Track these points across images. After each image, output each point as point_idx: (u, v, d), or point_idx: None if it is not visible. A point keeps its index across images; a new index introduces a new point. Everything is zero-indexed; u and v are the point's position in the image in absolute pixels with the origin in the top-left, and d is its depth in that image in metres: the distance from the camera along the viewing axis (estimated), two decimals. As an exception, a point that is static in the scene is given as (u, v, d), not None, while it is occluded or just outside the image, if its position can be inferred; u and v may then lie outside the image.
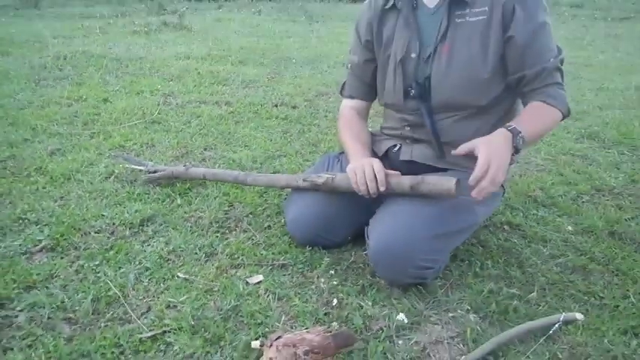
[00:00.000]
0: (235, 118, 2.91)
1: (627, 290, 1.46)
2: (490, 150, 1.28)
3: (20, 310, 1.35)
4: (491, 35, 1.44)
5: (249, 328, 1.30)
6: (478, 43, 1.45)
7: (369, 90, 1.74)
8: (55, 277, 1.50)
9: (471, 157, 1.49)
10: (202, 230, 1.75)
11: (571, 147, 2.53)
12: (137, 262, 1.57)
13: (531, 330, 1.29)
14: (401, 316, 1.34)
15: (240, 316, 1.36)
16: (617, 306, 1.40)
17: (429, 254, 1.40)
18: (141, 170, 2.11)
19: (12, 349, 1.22)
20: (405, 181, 1.43)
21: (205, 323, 1.31)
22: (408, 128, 1.61)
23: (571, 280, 1.51)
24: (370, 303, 1.40)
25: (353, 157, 1.54)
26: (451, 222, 1.44)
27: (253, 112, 3.02)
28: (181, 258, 1.60)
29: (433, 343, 1.27)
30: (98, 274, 1.52)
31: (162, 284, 1.48)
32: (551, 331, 1.28)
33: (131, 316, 1.35)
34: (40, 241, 1.66)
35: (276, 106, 3.17)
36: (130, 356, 1.21)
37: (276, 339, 1.14)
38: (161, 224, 1.79)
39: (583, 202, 1.99)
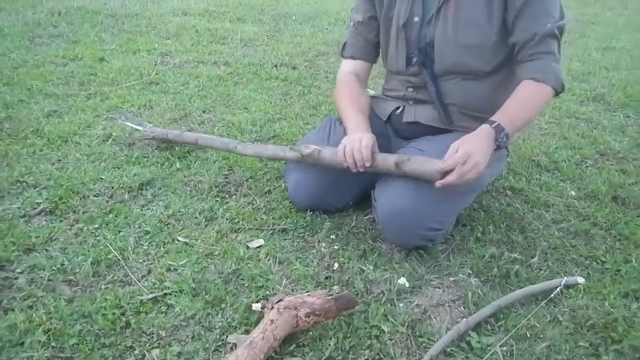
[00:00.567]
0: (234, 79, 2.85)
1: (629, 255, 1.46)
2: (469, 149, 1.28)
3: (20, 272, 1.34)
4: None
5: (250, 291, 1.30)
6: (484, 3, 1.40)
7: (372, 50, 1.67)
8: (55, 240, 1.49)
9: (477, 119, 1.46)
10: (202, 194, 1.73)
11: (576, 110, 2.48)
12: (137, 226, 1.56)
13: (532, 293, 1.29)
14: (402, 280, 1.34)
15: (241, 279, 1.35)
16: (619, 270, 1.40)
17: (437, 216, 1.39)
18: (139, 131, 2.08)
19: (13, 309, 1.22)
20: (391, 159, 1.39)
21: (206, 286, 1.31)
22: (411, 89, 1.58)
23: (573, 245, 1.51)
24: (371, 267, 1.40)
25: (350, 130, 1.50)
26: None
27: (252, 72, 2.96)
28: (181, 222, 1.59)
29: (434, 306, 1.28)
30: (98, 238, 1.51)
31: (162, 248, 1.48)
32: (552, 295, 1.28)
33: (131, 278, 1.35)
34: (38, 204, 1.64)
35: (276, 66, 3.10)
36: (130, 317, 1.21)
37: (278, 302, 1.14)
38: (160, 188, 1.77)
39: (587, 166, 1.97)
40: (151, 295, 1.28)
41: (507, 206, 1.70)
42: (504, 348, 1.14)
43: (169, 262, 1.41)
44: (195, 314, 1.23)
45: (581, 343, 1.16)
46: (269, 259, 1.43)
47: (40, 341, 1.13)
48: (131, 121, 2.12)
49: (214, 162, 1.93)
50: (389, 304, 1.27)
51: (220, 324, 1.20)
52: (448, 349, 1.14)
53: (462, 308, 1.27)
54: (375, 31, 1.63)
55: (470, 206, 1.65)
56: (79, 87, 2.59)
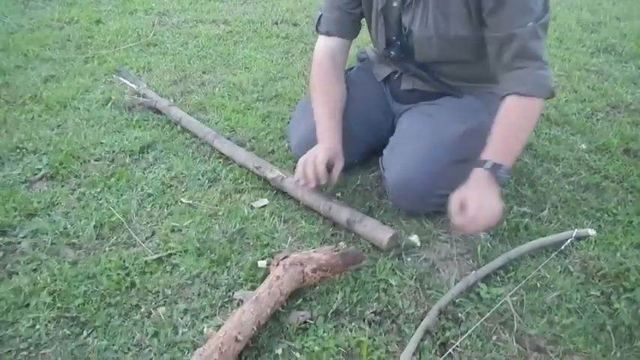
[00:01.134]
0: (234, 38, 2.77)
1: (642, 206, 1.43)
2: (479, 203, 1.14)
3: (23, 237, 1.33)
4: None
5: (256, 250, 1.29)
6: None
7: (350, 25, 1.49)
8: (57, 204, 1.48)
9: (477, 85, 1.41)
10: (204, 156, 1.71)
11: (586, 61, 2.40)
12: (139, 189, 1.54)
13: (543, 246, 1.27)
14: (414, 237, 1.32)
15: (246, 238, 1.34)
16: (631, 221, 1.37)
17: (449, 182, 1.33)
18: (136, 94, 2.04)
19: (17, 273, 1.21)
20: (343, 215, 1.33)
21: (211, 245, 1.30)
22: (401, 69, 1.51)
23: (584, 198, 1.48)
24: (378, 224, 1.38)
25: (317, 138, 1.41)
26: (469, 147, 1.37)
27: (252, 30, 2.87)
28: (184, 184, 1.57)
29: (442, 260, 1.26)
30: (100, 201, 1.49)
31: (165, 210, 1.46)
32: (563, 247, 1.26)
33: (135, 240, 1.33)
34: (39, 169, 1.62)
35: (277, 23, 3.01)
36: (135, 277, 1.20)
37: (283, 258, 1.13)
38: (162, 151, 1.74)
39: (597, 119, 1.91)
40: (155, 256, 1.27)
41: (517, 161, 1.64)
42: (514, 298, 1.12)
43: (173, 224, 1.39)
44: (201, 273, 1.22)
45: (592, 292, 1.14)
46: (274, 218, 1.41)
47: (45, 302, 1.13)
48: (128, 78, 2.09)
49: (216, 123, 1.90)
50: (397, 259, 1.25)
51: (226, 281, 1.19)
52: (457, 300, 1.12)
53: (471, 261, 1.25)
54: (355, 3, 1.46)
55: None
56: (75, 51, 2.54)
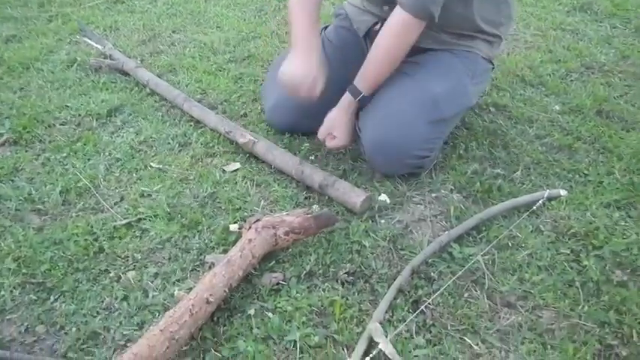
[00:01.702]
0: (205, -6, 2.68)
1: (612, 167, 1.44)
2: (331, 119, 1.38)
3: (-15, 203, 1.29)
4: None
5: (227, 214, 1.27)
6: None
7: None
8: (20, 170, 1.43)
9: (459, 36, 1.39)
10: (174, 120, 1.66)
11: (562, 20, 2.38)
12: (107, 154, 1.50)
13: (515, 206, 1.28)
14: (383, 197, 1.31)
15: (218, 202, 1.31)
16: (602, 182, 1.38)
17: (425, 143, 1.34)
18: (102, 55, 1.96)
19: (-21, 240, 1.17)
20: (316, 179, 1.32)
21: (181, 210, 1.27)
22: (387, 8, 1.47)
23: (556, 159, 1.48)
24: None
25: (299, 47, 1.36)
26: (446, 107, 1.36)
27: (224, -13, 2.78)
28: (153, 148, 1.53)
29: (416, 221, 1.26)
30: (66, 166, 1.45)
31: (134, 174, 1.42)
32: (534, 207, 1.27)
33: (103, 205, 1.30)
34: (1, 134, 1.56)
35: (249, -22, 2.92)
36: (104, 242, 1.17)
37: (255, 222, 1.11)
38: (130, 114, 1.68)
39: (572, 80, 1.91)
40: (124, 221, 1.24)
41: (490, 123, 1.65)
42: (486, 257, 1.13)
43: (142, 188, 1.36)
44: (171, 237, 1.20)
45: (562, 251, 1.15)
46: (246, 182, 1.38)
47: (9, 269, 1.10)
48: (92, 38, 2.01)
49: (187, 85, 1.84)
50: (370, 221, 1.25)
51: (197, 245, 1.17)
52: (430, 260, 1.13)
53: (444, 222, 1.26)
54: None
55: (452, 123, 1.60)
56: (38, 8, 2.42)
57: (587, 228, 1.20)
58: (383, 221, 1.25)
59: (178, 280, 1.09)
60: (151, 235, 1.20)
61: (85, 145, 1.53)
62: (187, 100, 1.67)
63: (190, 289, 0.99)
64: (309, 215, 1.15)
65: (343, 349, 0.95)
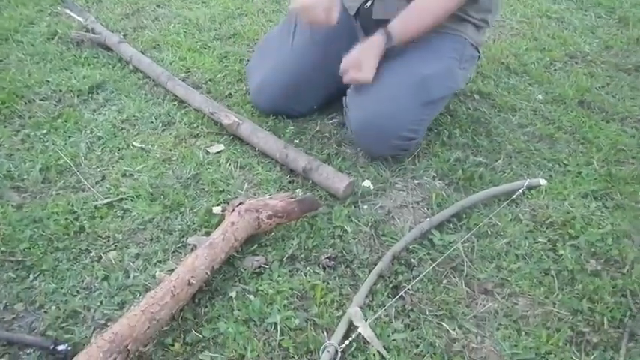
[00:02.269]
0: (191, -30, 2.62)
1: (591, 157, 1.47)
2: (358, 56, 1.33)
3: (-38, 179, 1.27)
4: None
5: (211, 196, 1.26)
6: None
7: None
8: (-1, 146, 1.40)
9: (451, 17, 1.39)
10: (158, 98, 1.64)
11: (548, 8, 2.39)
12: (88, 131, 1.48)
13: (495, 195, 1.29)
14: (367, 183, 1.32)
15: (201, 184, 1.31)
16: (580, 172, 1.41)
17: (412, 124, 1.35)
18: (84, 28, 1.92)
19: (-45, 216, 1.15)
20: (300, 163, 1.31)
21: (164, 191, 1.26)
22: None
23: (537, 149, 1.51)
24: (336, 171, 1.37)
25: None
26: (435, 89, 1.37)
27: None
28: (136, 127, 1.51)
29: (398, 208, 1.27)
30: (46, 144, 1.42)
31: (116, 153, 1.41)
32: (514, 196, 1.29)
33: (84, 184, 1.29)
34: (-21, 109, 1.53)
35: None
36: (85, 222, 1.16)
37: (239, 204, 1.11)
38: (112, 91, 1.66)
39: (555, 69, 1.93)
40: (105, 201, 1.23)
41: (474, 110, 1.66)
42: (466, 244, 1.15)
43: (125, 168, 1.34)
44: (154, 218, 1.19)
45: (539, 239, 1.18)
46: (230, 164, 1.38)
47: (-12, 246, 1.09)
48: (74, 10, 1.96)
49: (171, 63, 1.82)
50: (353, 207, 1.25)
51: (180, 227, 1.17)
52: (411, 247, 1.14)
53: (426, 209, 1.27)
54: None
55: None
56: (17, -22, 2.34)
57: (565, 218, 1.23)
58: (366, 207, 1.26)
59: (160, 262, 1.09)
60: (133, 215, 1.20)
61: (65, 122, 1.50)
62: (171, 79, 1.64)
63: (172, 270, 0.99)
64: (292, 199, 1.16)
65: (323, 332, 0.97)
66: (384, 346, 0.93)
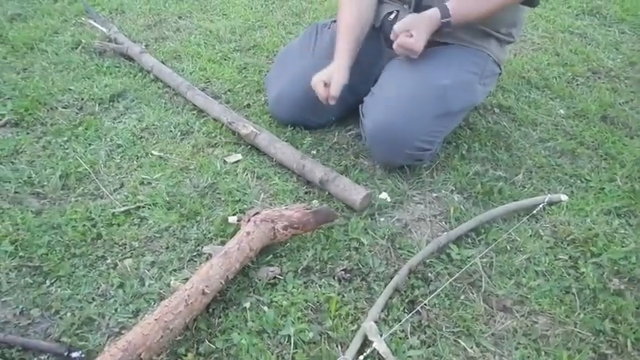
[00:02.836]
0: (212, -19, 2.66)
1: (614, 174, 1.43)
2: (412, 22, 1.30)
3: (-16, 184, 1.29)
4: None
5: (227, 205, 1.26)
6: None
7: None
8: (21, 152, 1.42)
9: (476, 33, 1.39)
10: (177, 108, 1.65)
11: (570, 24, 2.37)
12: (108, 139, 1.49)
13: (515, 210, 1.27)
14: (384, 195, 1.31)
15: (218, 193, 1.31)
16: (603, 188, 1.38)
17: (428, 135, 1.33)
18: (107, 38, 1.95)
19: (-24, 221, 1.17)
20: (317, 174, 1.31)
21: (181, 199, 1.27)
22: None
23: (558, 164, 1.48)
24: (353, 182, 1.36)
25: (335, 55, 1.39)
26: (453, 102, 1.35)
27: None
28: (155, 136, 1.52)
29: (415, 221, 1.25)
30: (67, 151, 1.44)
31: (135, 161, 1.42)
32: (535, 211, 1.26)
33: (103, 191, 1.30)
34: (2, 115, 1.56)
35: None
36: (102, 229, 1.17)
37: (255, 214, 1.10)
38: (133, 100, 1.67)
39: (578, 84, 1.90)
40: (123, 208, 1.24)
41: (494, 124, 1.65)
42: (484, 260, 1.13)
43: (143, 176, 1.35)
44: (170, 226, 1.19)
45: (560, 256, 1.15)
46: (246, 174, 1.38)
47: (6, 251, 1.10)
48: (97, 20, 1.99)
49: (191, 73, 1.83)
50: (369, 219, 1.24)
51: (195, 236, 1.17)
52: (427, 261, 1.12)
53: (444, 223, 1.25)
54: None
55: (456, 123, 1.59)
56: (43, -12, 2.40)
57: (587, 234, 1.20)
58: (382, 219, 1.25)
59: (175, 270, 1.09)
60: (150, 223, 1.20)
61: (86, 129, 1.52)
62: (191, 89, 1.66)
63: (187, 279, 0.99)
64: (308, 210, 1.15)
65: (337, 346, 0.95)
66: (399, 363, 0.91)
